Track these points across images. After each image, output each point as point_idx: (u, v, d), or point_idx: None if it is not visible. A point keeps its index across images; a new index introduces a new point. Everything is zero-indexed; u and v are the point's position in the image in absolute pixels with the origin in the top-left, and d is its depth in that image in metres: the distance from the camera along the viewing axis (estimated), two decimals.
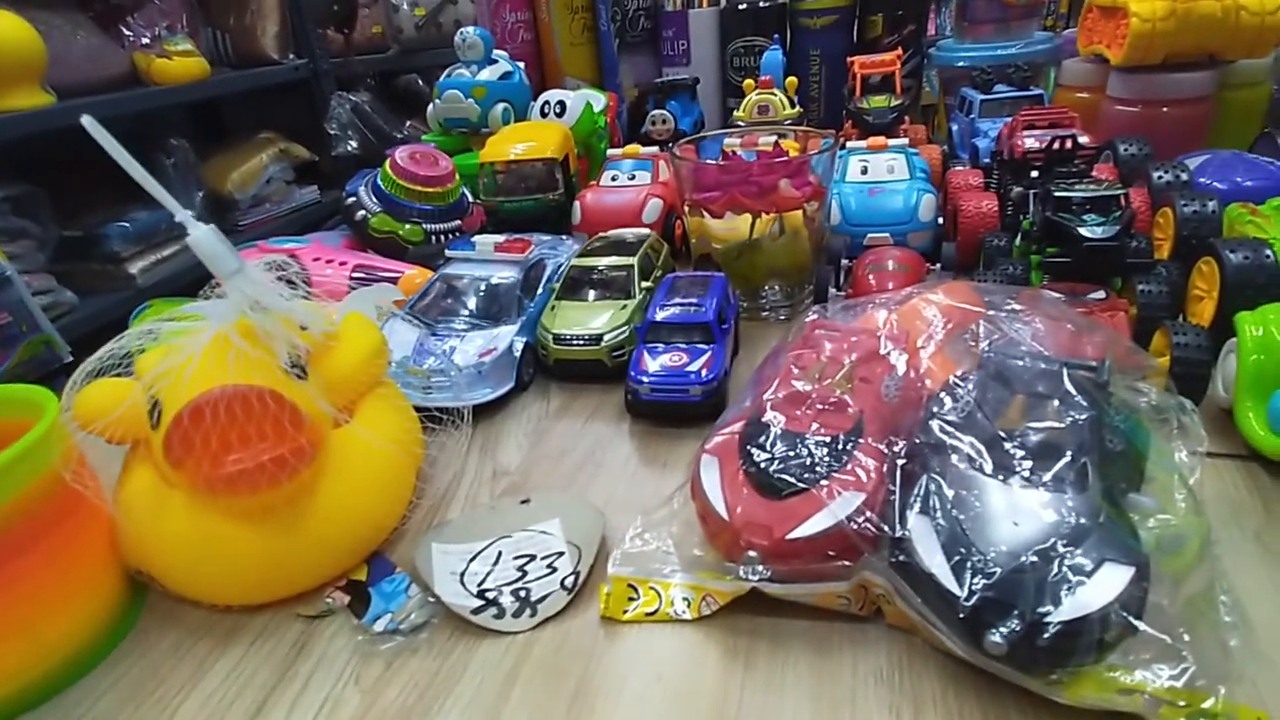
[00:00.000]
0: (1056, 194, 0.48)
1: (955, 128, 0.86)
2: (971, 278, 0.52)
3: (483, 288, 0.56)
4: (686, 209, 0.60)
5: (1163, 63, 0.69)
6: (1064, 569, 0.26)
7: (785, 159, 0.58)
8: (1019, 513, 0.28)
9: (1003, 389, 0.34)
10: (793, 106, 0.82)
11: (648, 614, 0.33)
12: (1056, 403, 0.32)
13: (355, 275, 0.65)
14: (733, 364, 0.53)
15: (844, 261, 0.61)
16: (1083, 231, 0.46)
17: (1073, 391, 0.32)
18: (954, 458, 0.30)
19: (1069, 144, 0.56)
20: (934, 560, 0.28)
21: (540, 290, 0.57)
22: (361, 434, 0.36)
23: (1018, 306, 0.39)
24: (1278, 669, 0.28)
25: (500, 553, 0.37)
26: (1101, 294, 0.46)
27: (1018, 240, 0.55)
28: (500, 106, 0.87)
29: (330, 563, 0.36)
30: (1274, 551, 0.33)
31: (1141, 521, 0.29)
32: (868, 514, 0.30)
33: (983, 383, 0.34)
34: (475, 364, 0.50)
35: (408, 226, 0.74)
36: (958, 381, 0.34)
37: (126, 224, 1.15)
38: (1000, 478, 0.29)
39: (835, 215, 0.64)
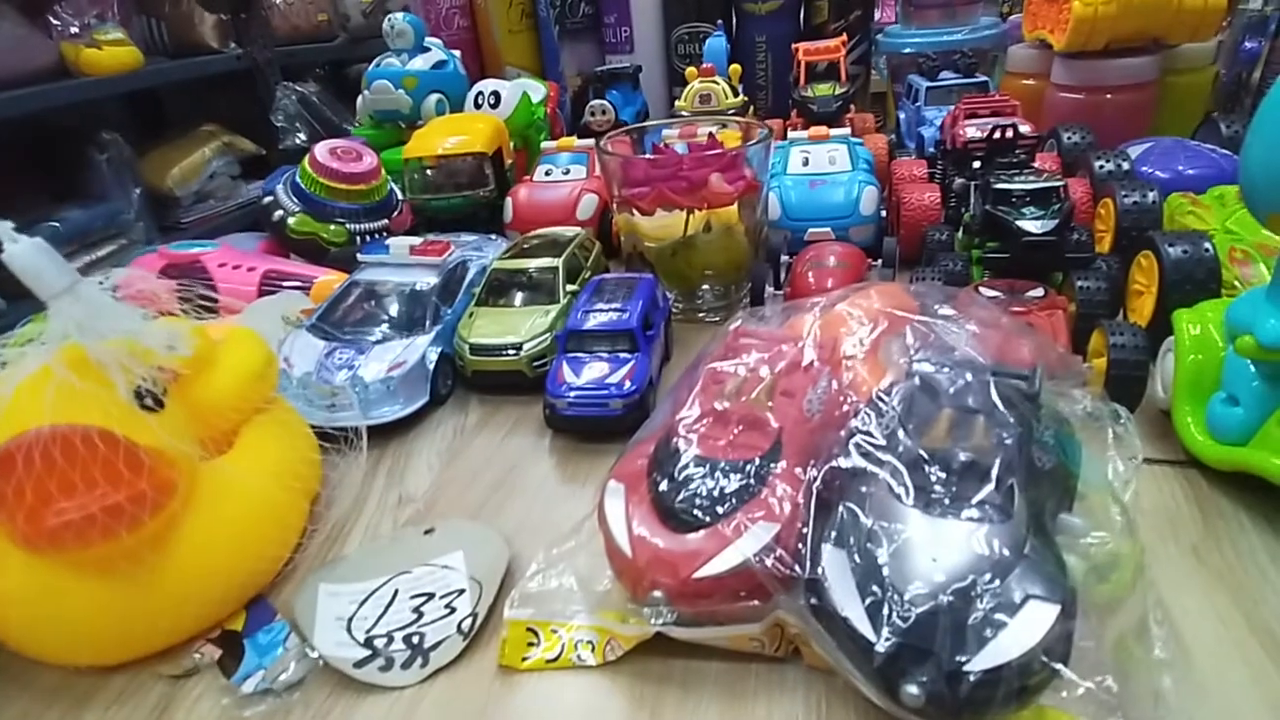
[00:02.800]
0: (996, 186, 0.46)
1: (902, 116, 0.84)
2: (912, 273, 0.50)
3: (396, 295, 0.52)
4: (615, 206, 0.57)
5: (1106, 48, 0.67)
6: (984, 609, 0.24)
7: (718, 152, 0.55)
8: (939, 545, 0.26)
9: (929, 402, 0.31)
10: (736, 95, 0.79)
11: (548, 660, 0.30)
12: (983, 419, 0.29)
13: (266, 281, 0.61)
14: (663, 370, 0.50)
15: (784, 258, 0.58)
16: (1021, 225, 0.44)
17: (1000, 406, 0.30)
18: (872, 485, 0.28)
19: (1009, 133, 0.54)
20: (848, 602, 0.25)
21: (460, 295, 0.54)
22: (231, 469, 0.33)
23: (950, 311, 0.37)
24: (1215, 701, 0.26)
25: (396, 591, 0.34)
26: (1040, 291, 0.44)
27: (959, 234, 0.53)
28: (434, 98, 0.82)
29: (197, 614, 0.32)
30: (1211, 567, 0.32)
31: (1072, 545, 0.27)
32: (778, 551, 0.27)
33: (908, 396, 0.31)
34: (384, 378, 0.46)
35: (332, 227, 0.69)
36: (882, 396, 0.32)
37: (57, 224, 1.07)
38: (920, 505, 0.27)
39: (775, 209, 0.61)
